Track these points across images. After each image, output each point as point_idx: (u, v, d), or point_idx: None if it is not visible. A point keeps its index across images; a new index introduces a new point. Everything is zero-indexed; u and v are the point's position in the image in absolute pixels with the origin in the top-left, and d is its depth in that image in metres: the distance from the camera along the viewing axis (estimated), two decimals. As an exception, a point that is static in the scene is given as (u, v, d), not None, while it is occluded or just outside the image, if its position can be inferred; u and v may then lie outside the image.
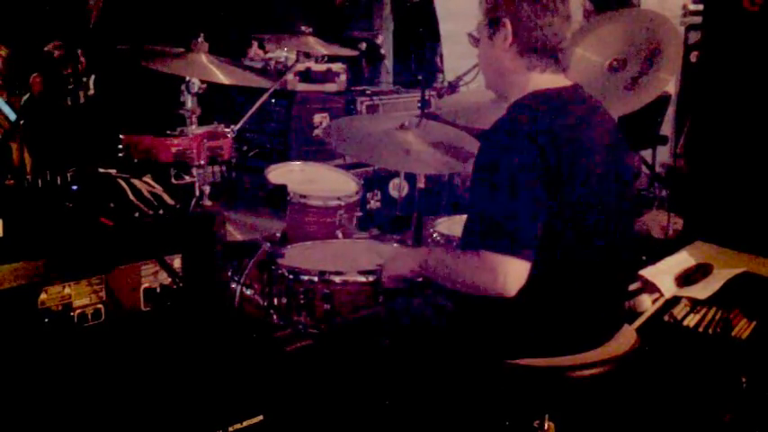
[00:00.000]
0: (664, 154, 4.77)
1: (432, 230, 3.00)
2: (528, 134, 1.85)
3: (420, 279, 2.44)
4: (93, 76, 4.66)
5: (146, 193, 2.22)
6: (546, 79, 2.00)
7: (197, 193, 2.91)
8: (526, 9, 1.96)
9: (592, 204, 1.93)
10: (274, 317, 2.70)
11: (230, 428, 2.12)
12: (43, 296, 1.93)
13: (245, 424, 2.15)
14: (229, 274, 2.85)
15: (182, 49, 2.97)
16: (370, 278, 2.57)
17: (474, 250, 1.86)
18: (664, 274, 2.86)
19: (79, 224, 2.04)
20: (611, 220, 1.99)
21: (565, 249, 1.91)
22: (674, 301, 2.76)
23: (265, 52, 4.83)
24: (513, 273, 1.82)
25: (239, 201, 3.12)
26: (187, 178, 2.93)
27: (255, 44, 5.08)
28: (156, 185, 2.29)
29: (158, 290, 2.13)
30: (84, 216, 2.07)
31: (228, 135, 3.08)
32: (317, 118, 4.60)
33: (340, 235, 3.18)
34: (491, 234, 1.83)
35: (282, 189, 3.15)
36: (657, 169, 4.72)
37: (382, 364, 2.09)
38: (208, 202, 2.87)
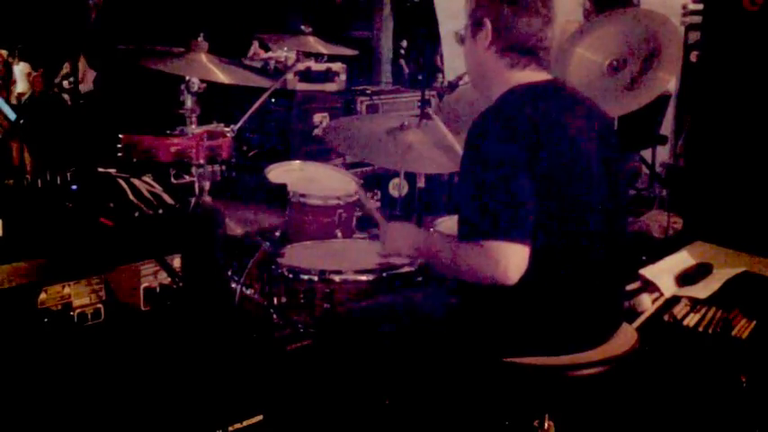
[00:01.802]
0: (664, 154, 4.77)
1: (432, 230, 3.00)
2: (509, 122, 1.89)
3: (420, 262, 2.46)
4: (93, 76, 4.68)
5: (145, 193, 2.22)
6: (527, 75, 2.04)
7: (197, 192, 2.90)
8: (506, 9, 2.01)
9: (580, 193, 1.94)
10: (274, 316, 2.70)
11: (230, 428, 2.12)
12: (43, 296, 1.93)
13: (245, 424, 2.15)
14: (229, 273, 2.85)
15: (182, 49, 2.97)
16: (370, 277, 2.57)
17: (473, 240, 1.87)
18: (664, 273, 2.86)
19: (79, 224, 2.04)
20: (602, 210, 2.00)
21: (559, 245, 1.92)
22: (674, 300, 2.76)
23: (267, 51, 4.83)
24: (513, 258, 1.83)
25: (239, 200, 3.12)
26: (187, 178, 2.93)
27: (256, 43, 5.09)
28: (155, 185, 2.29)
29: (158, 290, 2.13)
30: (84, 216, 2.07)
31: (228, 135, 3.07)
32: (317, 118, 4.60)
33: (339, 234, 3.18)
34: (486, 222, 1.85)
35: (282, 188, 3.14)
36: (657, 169, 4.72)
37: (382, 362, 2.09)
38: (207, 198, 2.87)
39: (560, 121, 1.95)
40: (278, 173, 3.46)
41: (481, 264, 1.86)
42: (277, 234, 2.87)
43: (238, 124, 3.32)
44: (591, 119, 2.05)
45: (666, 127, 4.76)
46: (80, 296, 1.99)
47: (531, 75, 2.04)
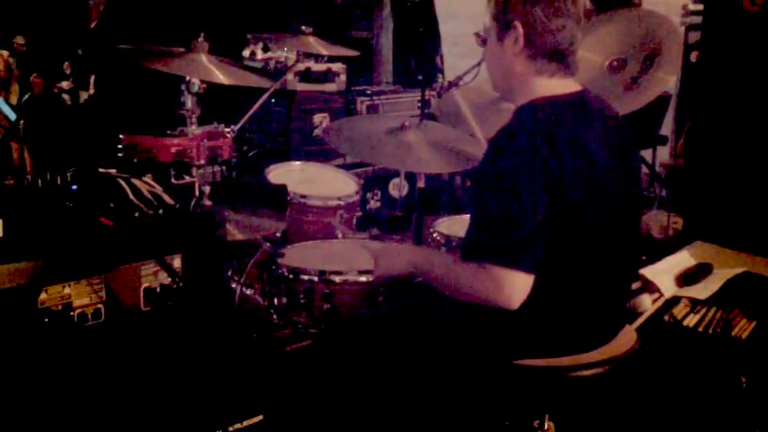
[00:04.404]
0: (664, 154, 4.77)
1: (432, 230, 3.01)
2: (528, 139, 1.82)
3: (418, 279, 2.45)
4: (93, 76, 4.68)
5: (146, 193, 2.22)
6: (553, 84, 1.96)
7: (197, 193, 2.90)
8: (538, 12, 1.90)
9: (594, 210, 1.90)
10: (274, 317, 2.70)
11: (230, 428, 2.12)
12: (43, 296, 1.93)
13: (245, 424, 2.15)
14: (229, 274, 2.85)
15: (182, 49, 2.97)
16: (371, 278, 2.57)
17: (478, 262, 1.83)
18: (664, 273, 2.86)
19: (79, 224, 2.04)
20: (615, 224, 1.97)
21: (567, 253, 1.90)
22: (674, 301, 2.76)
23: (266, 51, 4.83)
24: (518, 287, 1.79)
25: (239, 201, 3.12)
26: (187, 178, 2.93)
27: (257, 43, 5.09)
28: (155, 185, 2.29)
29: (158, 290, 2.13)
30: (84, 216, 2.07)
31: (228, 135, 3.07)
32: (317, 118, 4.60)
33: (340, 235, 3.19)
34: (496, 246, 1.80)
35: (282, 189, 3.14)
36: (657, 169, 4.72)
37: (382, 363, 2.09)
38: (208, 202, 2.87)
39: (581, 138, 1.88)
40: (278, 173, 3.46)
41: (484, 287, 1.82)
42: (277, 234, 2.87)
43: (238, 124, 3.32)
44: (612, 131, 1.99)
45: (666, 127, 4.76)
46: (80, 296, 1.99)
47: (558, 84, 1.96)
